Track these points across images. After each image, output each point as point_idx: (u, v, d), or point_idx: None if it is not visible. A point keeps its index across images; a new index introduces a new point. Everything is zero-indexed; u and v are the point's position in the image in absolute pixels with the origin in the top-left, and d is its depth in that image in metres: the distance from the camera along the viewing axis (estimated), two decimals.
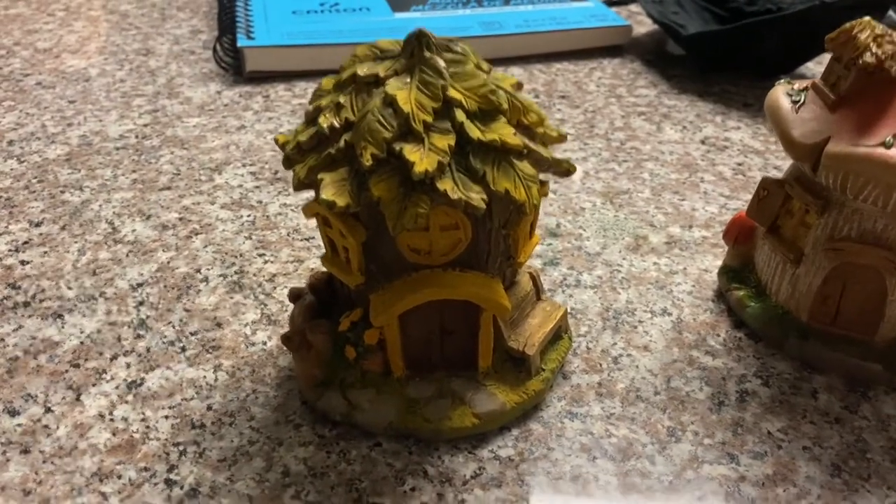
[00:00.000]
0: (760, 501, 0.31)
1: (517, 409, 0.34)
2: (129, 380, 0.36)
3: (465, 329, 0.33)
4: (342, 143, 0.30)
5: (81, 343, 0.38)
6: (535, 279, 0.37)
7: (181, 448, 0.33)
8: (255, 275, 0.43)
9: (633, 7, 0.90)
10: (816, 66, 0.76)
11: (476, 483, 0.32)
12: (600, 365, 0.38)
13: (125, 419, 0.34)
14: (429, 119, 0.29)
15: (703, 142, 0.60)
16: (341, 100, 0.31)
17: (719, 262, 0.45)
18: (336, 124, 0.30)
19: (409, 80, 0.30)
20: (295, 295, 0.36)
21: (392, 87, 0.29)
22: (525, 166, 0.30)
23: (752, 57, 0.70)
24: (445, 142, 0.29)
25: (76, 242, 0.46)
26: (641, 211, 0.51)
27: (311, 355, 0.33)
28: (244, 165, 0.55)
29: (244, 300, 0.41)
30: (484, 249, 0.32)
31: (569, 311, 0.41)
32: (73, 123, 0.61)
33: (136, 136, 0.59)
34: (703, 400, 0.36)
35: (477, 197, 0.29)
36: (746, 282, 0.41)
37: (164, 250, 0.45)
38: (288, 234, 0.47)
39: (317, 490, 0.31)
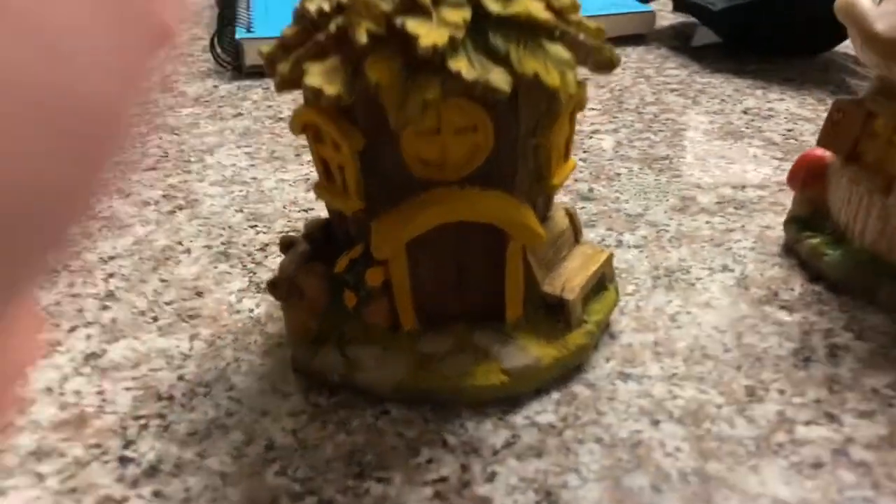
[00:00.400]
0: (879, 466, 0.24)
1: (556, 365, 0.27)
2: (88, 352, 0.30)
3: (487, 267, 0.27)
4: (333, 27, 0.24)
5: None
6: (572, 216, 0.30)
7: (142, 422, 0.26)
8: (244, 245, 0.38)
9: (654, 5, 0.85)
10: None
11: (510, 452, 0.25)
12: (654, 323, 0.31)
13: (77, 392, 0.28)
14: None
15: (745, 112, 0.54)
16: None
17: (781, 220, 0.39)
18: (326, 8, 0.25)
19: None
20: (286, 243, 0.30)
21: None
22: (558, 49, 0.24)
23: (790, 32, 0.64)
24: (459, 15, 0.23)
25: None
26: (685, 174, 0.45)
27: (302, 304, 0.27)
28: (239, 147, 0.50)
29: (230, 269, 0.35)
30: (509, 163, 0.26)
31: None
32: None
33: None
34: (785, 356, 0.29)
35: (499, 77, 0.23)
36: (820, 229, 0.35)
37: (142, 225, 0.40)
38: (284, 207, 0.41)
39: (308, 465, 0.25)
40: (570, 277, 0.29)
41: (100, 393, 0.28)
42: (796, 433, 0.26)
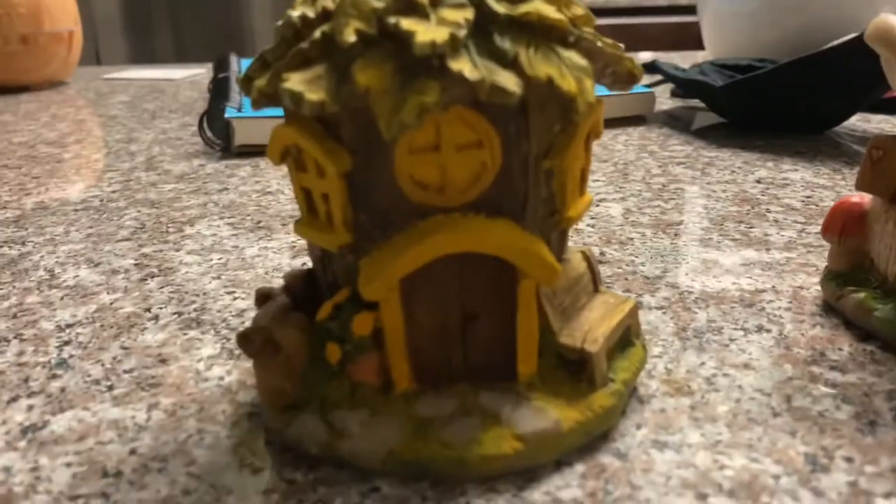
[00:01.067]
0: None
1: (579, 430, 0.23)
2: (28, 423, 0.25)
3: (496, 312, 0.23)
4: (318, 34, 0.21)
5: None
6: (589, 260, 0.27)
7: (79, 502, 0.22)
8: (218, 311, 0.34)
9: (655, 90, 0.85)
10: (863, 123, 0.68)
11: None
12: (689, 386, 0.27)
13: (7, 469, 0.23)
14: None
15: (758, 181, 0.51)
16: None
17: (815, 280, 0.35)
18: (310, 15, 0.22)
19: None
20: (262, 296, 0.26)
21: None
22: (573, 55, 0.21)
23: (793, 108, 0.63)
24: (460, 14, 0.20)
25: (1, 289, 0.36)
26: (703, 238, 0.41)
27: (278, 361, 0.23)
28: (221, 218, 0.46)
29: (201, 336, 0.31)
30: (519, 188, 0.22)
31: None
32: (31, 193, 0.53)
33: (101, 200, 0.51)
34: (847, 420, 0.25)
35: (508, 78, 0.20)
36: (865, 283, 0.31)
37: (108, 293, 0.36)
38: (266, 273, 0.38)
39: None
40: (592, 328, 0.25)
41: (34, 469, 0.23)
42: None
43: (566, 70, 0.21)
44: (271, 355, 0.23)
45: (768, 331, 0.31)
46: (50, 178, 0.57)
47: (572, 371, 0.24)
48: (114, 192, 0.53)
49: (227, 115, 0.61)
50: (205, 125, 0.64)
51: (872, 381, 0.27)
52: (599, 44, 0.22)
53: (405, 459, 0.22)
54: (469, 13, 0.21)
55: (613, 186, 0.51)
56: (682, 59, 1.09)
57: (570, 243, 0.27)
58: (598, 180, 0.53)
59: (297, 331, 0.23)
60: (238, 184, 0.54)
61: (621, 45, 0.24)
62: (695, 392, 0.27)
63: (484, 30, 0.21)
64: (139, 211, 0.48)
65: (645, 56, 1.17)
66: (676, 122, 0.71)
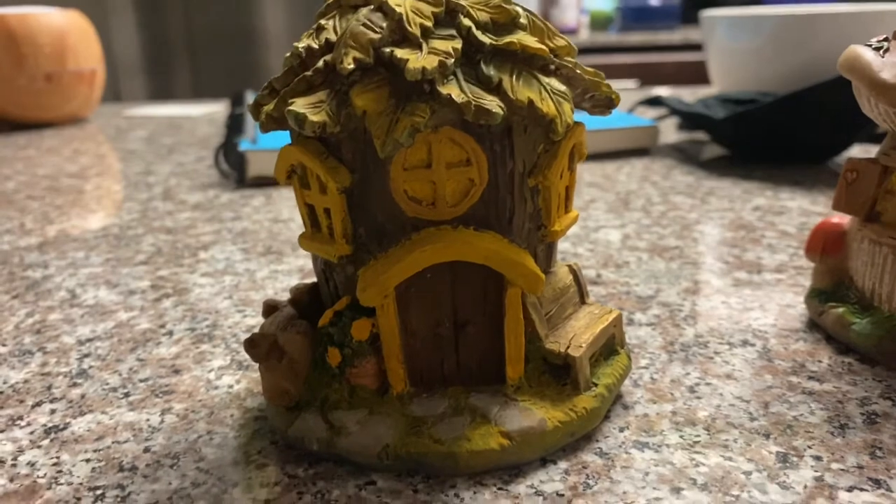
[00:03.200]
0: None
1: (562, 430, 0.24)
2: (51, 425, 0.27)
3: (486, 319, 0.25)
4: (321, 63, 0.23)
5: (1, 392, 0.30)
6: (576, 273, 0.28)
7: (98, 492, 0.23)
8: (229, 327, 0.35)
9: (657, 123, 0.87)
10: (864, 154, 0.70)
11: None
12: (672, 394, 0.28)
13: (31, 464, 0.25)
14: (428, 24, 0.23)
15: (756, 208, 0.53)
16: (322, 22, 0.25)
17: (801, 299, 0.37)
18: (314, 46, 0.24)
19: None
20: (269, 307, 0.28)
21: None
22: (553, 81, 0.23)
23: (793, 139, 0.64)
24: (449, 45, 0.22)
25: (26, 308, 0.39)
26: (697, 262, 0.43)
27: (282, 366, 0.25)
28: (234, 244, 0.48)
29: (212, 349, 0.33)
30: (506, 203, 0.24)
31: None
32: (54, 222, 0.55)
33: (120, 228, 0.53)
34: (819, 423, 0.26)
35: (492, 102, 0.22)
36: (844, 299, 0.33)
37: (126, 311, 0.38)
38: (275, 294, 0.40)
39: None
40: (577, 335, 0.26)
41: (56, 464, 0.25)
42: (839, 499, 0.22)
43: (546, 94, 0.23)
44: (276, 359, 0.25)
45: (752, 345, 0.32)
46: (72, 207, 0.59)
47: (557, 375, 0.26)
48: (132, 220, 0.55)
49: (241, 148, 0.64)
50: (220, 157, 0.66)
51: (847, 389, 0.28)
52: (579, 71, 0.24)
53: (399, 454, 0.23)
54: (458, 44, 0.23)
55: (614, 214, 0.53)
56: (692, 94, 1.11)
57: (568, 263, 0.29)
58: (598, 208, 0.54)
59: (301, 336, 0.25)
60: (251, 213, 0.56)
61: (601, 74, 0.26)
62: (677, 399, 0.28)
63: (471, 59, 0.23)
64: (156, 237, 0.50)
65: (660, 91, 1.20)
66: (681, 154, 0.73)
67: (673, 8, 2.42)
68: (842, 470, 0.24)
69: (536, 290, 0.24)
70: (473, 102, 0.21)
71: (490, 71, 0.22)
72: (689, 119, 0.71)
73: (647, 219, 0.51)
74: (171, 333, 0.35)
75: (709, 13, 0.86)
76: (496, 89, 0.22)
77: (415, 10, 0.23)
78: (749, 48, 0.82)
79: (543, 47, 0.23)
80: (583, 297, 0.28)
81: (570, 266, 0.28)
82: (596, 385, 0.26)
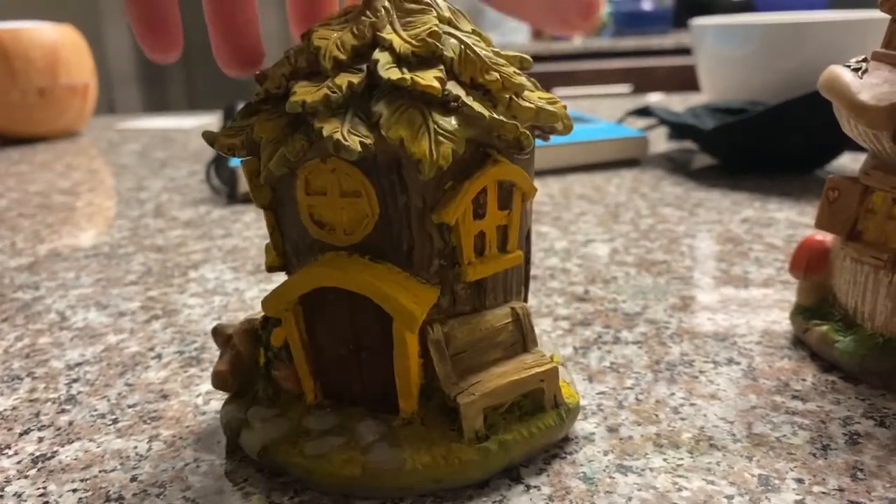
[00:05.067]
0: None
1: (422, 474, 0.24)
2: (38, 454, 0.27)
3: (383, 348, 0.25)
4: (261, 92, 0.25)
5: None
6: (519, 318, 0.27)
7: None
8: (217, 351, 0.35)
9: (647, 133, 0.87)
10: (853, 163, 0.70)
11: None
12: (656, 416, 0.29)
13: (18, 495, 0.25)
14: (342, 57, 0.24)
15: (744, 220, 0.53)
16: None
17: (786, 315, 0.37)
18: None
19: (345, 24, 0.25)
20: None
21: (321, 33, 0.24)
22: (445, 120, 0.23)
23: (782, 149, 0.65)
24: (347, 79, 0.23)
25: (15, 331, 0.39)
26: (685, 277, 0.43)
27: (229, 355, 0.26)
28: (224, 262, 0.49)
29: (200, 373, 0.33)
30: (401, 236, 0.24)
31: (609, 365, 0.33)
32: (45, 241, 0.55)
33: (111, 247, 0.53)
34: (801, 445, 0.26)
35: (354, 139, 0.22)
36: (829, 316, 0.33)
37: (115, 333, 0.38)
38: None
39: None
40: (482, 383, 0.25)
41: (42, 495, 0.25)
42: None
43: (426, 133, 0.22)
44: (227, 350, 0.26)
45: (738, 363, 0.33)
46: (63, 225, 0.59)
47: (452, 419, 0.25)
48: (123, 238, 0.55)
49: (232, 164, 0.64)
50: (211, 173, 0.66)
51: (830, 408, 0.29)
52: (487, 114, 0.24)
53: (271, 458, 0.25)
54: (356, 78, 0.23)
55: (603, 227, 0.53)
56: (683, 101, 1.12)
57: (514, 305, 0.27)
58: (588, 221, 0.55)
59: (248, 333, 0.26)
60: (241, 229, 0.56)
61: (557, 101, 0.26)
62: (661, 421, 0.28)
63: (368, 94, 0.23)
64: (146, 256, 0.50)
65: (653, 97, 1.20)
66: (670, 163, 0.73)
67: (665, 13, 2.43)
68: (823, 493, 0.24)
69: (411, 328, 0.24)
70: (335, 137, 0.22)
71: (378, 107, 0.23)
72: (679, 129, 0.71)
73: (635, 232, 0.52)
74: (159, 357, 0.35)
75: (698, 21, 0.87)
76: (375, 125, 0.22)
77: (337, 44, 0.24)
78: (738, 56, 0.83)
79: (434, 85, 0.23)
80: (525, 344, 0.27)
81: (514, 308, 0.27)
82: (488, 437, 0.25)
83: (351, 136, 0.22)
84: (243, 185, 0.64)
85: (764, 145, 0.65)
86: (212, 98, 2.04)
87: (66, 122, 1.05)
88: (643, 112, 0.79)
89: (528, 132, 0.24)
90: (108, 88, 2.00)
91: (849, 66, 0.30)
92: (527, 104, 0.25)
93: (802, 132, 0.62)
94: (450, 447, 0.24)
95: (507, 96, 0.24)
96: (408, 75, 0.23)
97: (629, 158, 0.74)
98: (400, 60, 0.23)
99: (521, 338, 0.27)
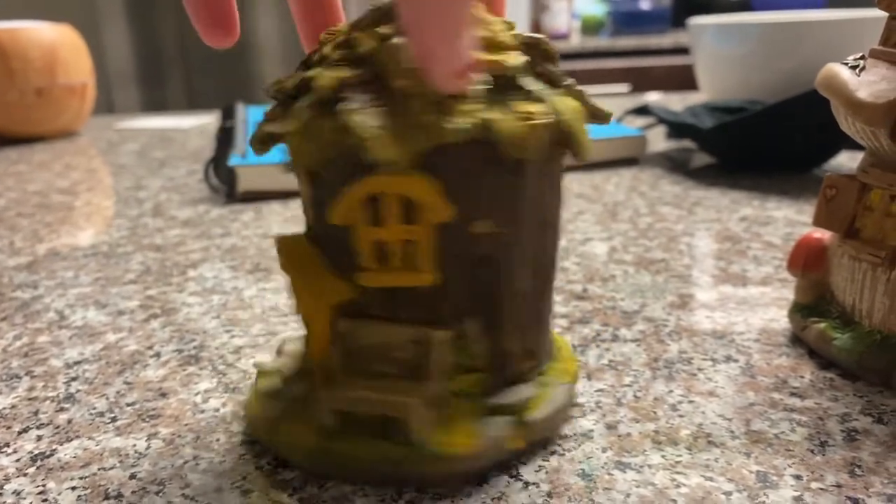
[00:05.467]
0: None
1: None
2: (37, 452, 0.27)
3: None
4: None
5: None
6: (426, 344, 0.25)
7: None
8: (217, 348, 0.36)
9: (646, 132, 0.87)
10: (851, 161, 0.70)
11: None
12: (654, 413, 0.29)
13: (17, 493, 0.25)
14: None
15: (742, 219, 0.53)
16: None
17: (785, 313, 0.37)
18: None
19: None
20: None
21: None
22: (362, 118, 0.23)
23: (780, 148, 0.65)
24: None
25: (14, 330, 0.39)
26: (683, 275, 0.43)
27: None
28: (223, 261, 0.49)
29: (199, 371, 0.33)
30: (319, 233, 0.26)
31: (608, 363, 0.33)
32: (43, 240, 0.55)
33: (109, 246, 0.53)
34: (799, 441, 0.26)
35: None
36: (827, 314, 0.33)
37: (114, 332, 0.38)
38: (262, 312, 0.40)
39: None
40: (350, 387, 0.25)
41: (42, 493, 0.25)
42: None
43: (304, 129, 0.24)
44: None
45: (736, 361, 0.33)
46: (61, 225, 0.59)
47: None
48: (122, 237, 0.55)
49: (231, 163, 0.64)
50: (210, 172, 0.66)
51: (828, 405, 0.29)
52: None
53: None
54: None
55: (601, 226, 0.53)
56: (681, 100, 1.12)
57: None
58: (586, 220, 0.55)
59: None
60: (240, 228, 0.56)
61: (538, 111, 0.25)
62: (660, 418, 0.28)
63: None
64: (145, 255, 0.50)
65: (651, 96, 1.20)
66: (669, 162, 0.73)
67: (663, 12, 2.43)
68: (821, 489, 0.24)
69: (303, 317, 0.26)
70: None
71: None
72: (677, 128, 0.71)
73: (634, 231, 0.52)
74: (158, 355, 0.35)
75: (696, 20, 0.87)
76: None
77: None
78: (737, 55, 0.83)
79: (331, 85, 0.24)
80: (427, 373, 0.25)
81: (427, 333, 0.25)
82: (329, 435, 0.25)
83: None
84: (242, 185, 0.64)
85: (762, 144, 0.65)
86: (210, 98, 2.04)
87: (64, 121, 1.05)
88: (642, 111, 0.79)
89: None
90: (107, 88, 2.00)
91: (846, 64, 0.30)
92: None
93: (800, 131, 0.62)
94: (303, 429, 0.25)
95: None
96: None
97: (628, 157, 0.74)
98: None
99: (425, 364, 0.25)
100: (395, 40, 0.23)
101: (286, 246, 0.26)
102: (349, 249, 0.25)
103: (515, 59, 0.24)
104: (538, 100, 0.24)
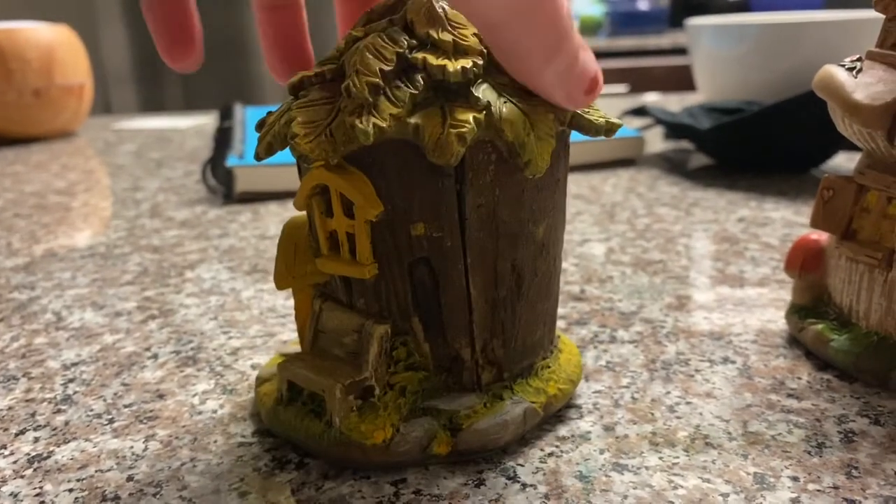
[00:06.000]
0: None
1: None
2: (34, 454, 0.27)
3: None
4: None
5: None
6: (364, 335, 0.26)
7: None
8: (214, 350, 0.36)
9: (643, 133, 0.87)
10: (848, 163, 0.70)
11: None
12: (652, 414, 0.29)
13: (14, 495, 0.25)
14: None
15: (740, 220, 0.53)
16: None
17: (782, 314, 0.37)
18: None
19: None
20: None
21: None
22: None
23: (778, 149, 0.65)
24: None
25: (11, 332, 0.39)
26: (681, 276, 0.43)
27: None
28: (220, 262, 0.48)
29: (196, 373, 0.33)
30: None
31: (605, 364, 0.33)
32: (41, 241, 0.55)
33: (107, 247, 0.53)
34: (796, 443, 0.26)
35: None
36: (824, 315, 0.33)
37: (111, 333, 0.38)
38: (260, 314, 0.40)
39: None
40: (304, 361, 0.27)
41: (39, 495, 0.25)
42: None
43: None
44: None
45: (733, 362, 0.33)
46: (59, 225, 0.59)
47: None
48: (119, 238, 0.55)
49: (228, 164, 0.64)
50: (208, 173, 0.66)
51: (825, 406, 0.29)
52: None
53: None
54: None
55: (599, 227, 0.53)
56: (679, 101, 1.12)
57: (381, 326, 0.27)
58: (584, 221, 0.55)
59: None
60: (238, 229, 0.56)
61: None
62: (657, 419, 0.28)
63: None
64: (142, 256, 0.50)
65: (649, 97, 1.20)
66: (667, 163, 0.73)
67: (661, 13, 2.44)
68: (818, 490, 0.24)
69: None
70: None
71: None
72: (675, 129, 0.71)
73: (631, 232, 0.52)
74: (155, 357, 0.35)
75: (693, 21, 0.87)
76: None
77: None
78: (734, 56, 0.83)
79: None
80: (360, 363, 0.26)
81: (366, 323, 0.26)
82: (282, 400, 0.28)
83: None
84: (240, 185, 0.64)
85: (760, 145, 0.65)
86: (208, 98, 2.04)
87: (61, 122, 1.05)
88: (639, 112, 0.80)
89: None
90: (104, 89, 2.00)
91: (843, 66, 0.30)
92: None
93: (798, 132, 0.62)
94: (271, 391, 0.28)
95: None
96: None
97: (625, 158, 0.74)
98: None
99: (363, 354, 0.26)
100: (361, 42, 0.24)
101: (288, 226, 0.28)
102: (316, 236, 0.26)
103: (460, 64, 0.23)
104: (482, 109, 0.23)
